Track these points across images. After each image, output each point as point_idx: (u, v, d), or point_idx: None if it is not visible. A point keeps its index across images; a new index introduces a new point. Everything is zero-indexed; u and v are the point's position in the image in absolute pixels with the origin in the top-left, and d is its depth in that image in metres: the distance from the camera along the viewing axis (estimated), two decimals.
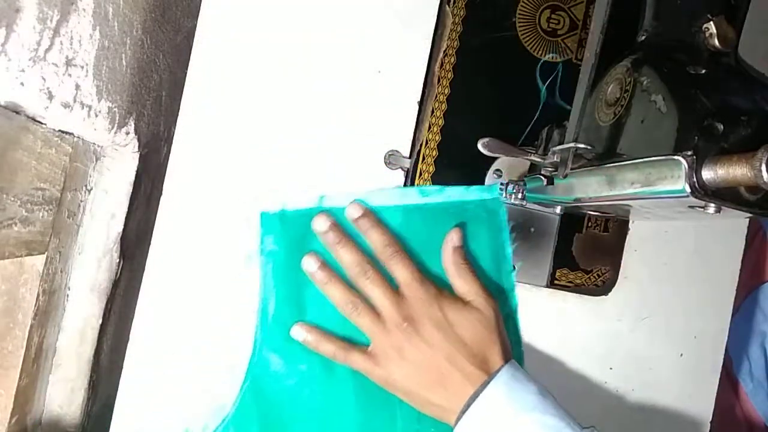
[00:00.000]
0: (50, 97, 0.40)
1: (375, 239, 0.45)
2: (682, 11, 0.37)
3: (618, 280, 0.52)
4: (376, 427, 0.46)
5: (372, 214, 0.46)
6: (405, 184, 0.49)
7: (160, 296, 0.46)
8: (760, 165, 0.26)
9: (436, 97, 0.49)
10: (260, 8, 0.47)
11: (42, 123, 0.43)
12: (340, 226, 0.46)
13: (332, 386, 0.46)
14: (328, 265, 0.45)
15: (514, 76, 0.51)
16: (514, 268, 0.49)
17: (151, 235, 0.46)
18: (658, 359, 0.53)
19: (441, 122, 0.49)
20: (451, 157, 0.49)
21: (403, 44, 0.49)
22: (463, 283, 0.45)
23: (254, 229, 0.46)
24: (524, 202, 0.48)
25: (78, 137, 0.49)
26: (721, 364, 0.54)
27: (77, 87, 0.44)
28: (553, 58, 0.47)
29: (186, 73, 0.46)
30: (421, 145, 0.49)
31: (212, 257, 0.46)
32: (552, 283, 0.51)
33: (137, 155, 0.58)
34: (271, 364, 0.46)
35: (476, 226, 0.48)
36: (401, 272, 0.44)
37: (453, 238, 0.46)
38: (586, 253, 0.52)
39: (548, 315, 0.51)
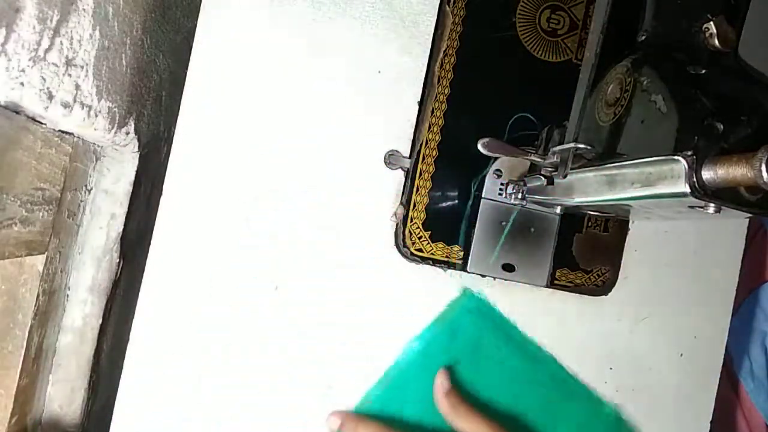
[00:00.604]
0: (50, 97, 0.40)
1: None
2: (682, 11, 0.37)
3: (618, 280, 0.52)
4: None
5: (347, 415, 0.46)
6: (405, 184, 0.49)
7: (160, 296, 0.46)
8: (760, 165, 0.25)
9: (436, 97, 0.49)
10: (260, 8, 0.47)
11: (42, 123, 0.43)
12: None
13: None
14: None
15: (514, 76, 0.51)
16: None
17: (151, 235, 0.46)
18: (658, 359, 0.53)
19: (441, 122, 0.49)
20: (451, 157, 0.49)
21: (403, 44, 0.49)
22: (467, 427, 0.44)
23: None
24: (524, 202, 0.48)
25: (78, 137, 0.49)
26: (721, 364, 0.54)
27: (77, 87, 0.44)
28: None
29: (186, 73, 0.46)
30: (421, 145, 0.49)
31: (212, 257, 0.46)
32: (552, 283, 0.51)
33: (137, 155, 0.58)
34: None
35: (476, 330, 0.48)
36: None
37: (441, 384, 0.46)
38: (586, 253, 0.52)
39: (548, 315, 0.51)
